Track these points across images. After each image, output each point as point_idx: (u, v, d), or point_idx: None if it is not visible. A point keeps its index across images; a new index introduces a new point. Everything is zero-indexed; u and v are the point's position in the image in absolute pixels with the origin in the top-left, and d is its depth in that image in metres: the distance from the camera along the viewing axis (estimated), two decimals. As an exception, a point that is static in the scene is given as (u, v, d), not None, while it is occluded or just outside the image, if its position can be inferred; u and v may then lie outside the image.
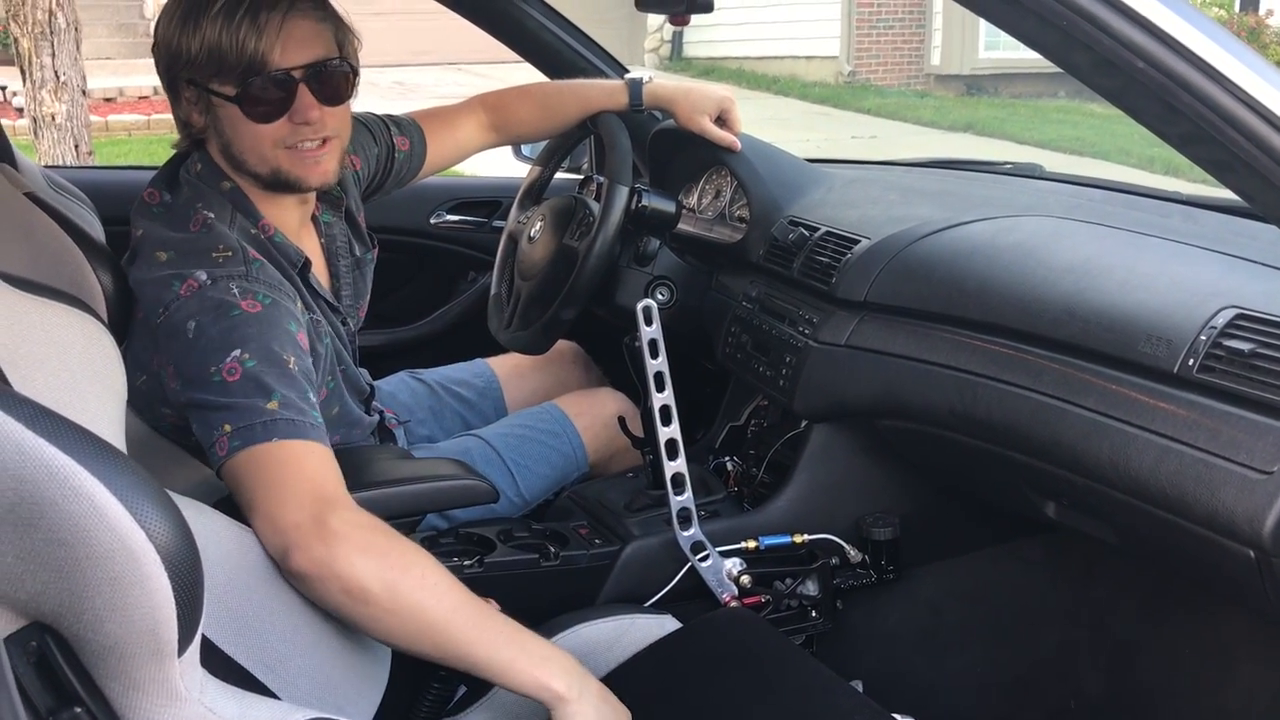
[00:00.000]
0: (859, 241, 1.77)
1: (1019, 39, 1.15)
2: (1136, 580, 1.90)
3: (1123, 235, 1.62)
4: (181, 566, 0.82)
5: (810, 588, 1.77)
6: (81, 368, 1.27)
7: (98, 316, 1.33)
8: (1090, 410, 1.42)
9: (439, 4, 2.14)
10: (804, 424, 1.96)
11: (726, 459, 2.01)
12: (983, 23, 12.39)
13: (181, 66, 1.53)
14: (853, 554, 1.77)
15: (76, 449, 0.79)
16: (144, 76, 10.37)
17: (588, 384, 2.30)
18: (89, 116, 5.15)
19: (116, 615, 0.80)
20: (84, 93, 5.01)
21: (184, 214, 1.56)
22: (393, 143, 1.98)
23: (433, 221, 2.51)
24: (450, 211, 2.52)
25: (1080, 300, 1.48)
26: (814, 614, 1.78)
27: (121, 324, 1.58)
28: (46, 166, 2.10)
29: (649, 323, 1.67)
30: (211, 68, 1.51)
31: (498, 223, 2.53)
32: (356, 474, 1.64)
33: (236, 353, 1.42)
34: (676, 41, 13.85)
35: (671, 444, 1.69)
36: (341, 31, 1.59)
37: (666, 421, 1.68)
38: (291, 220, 1.67)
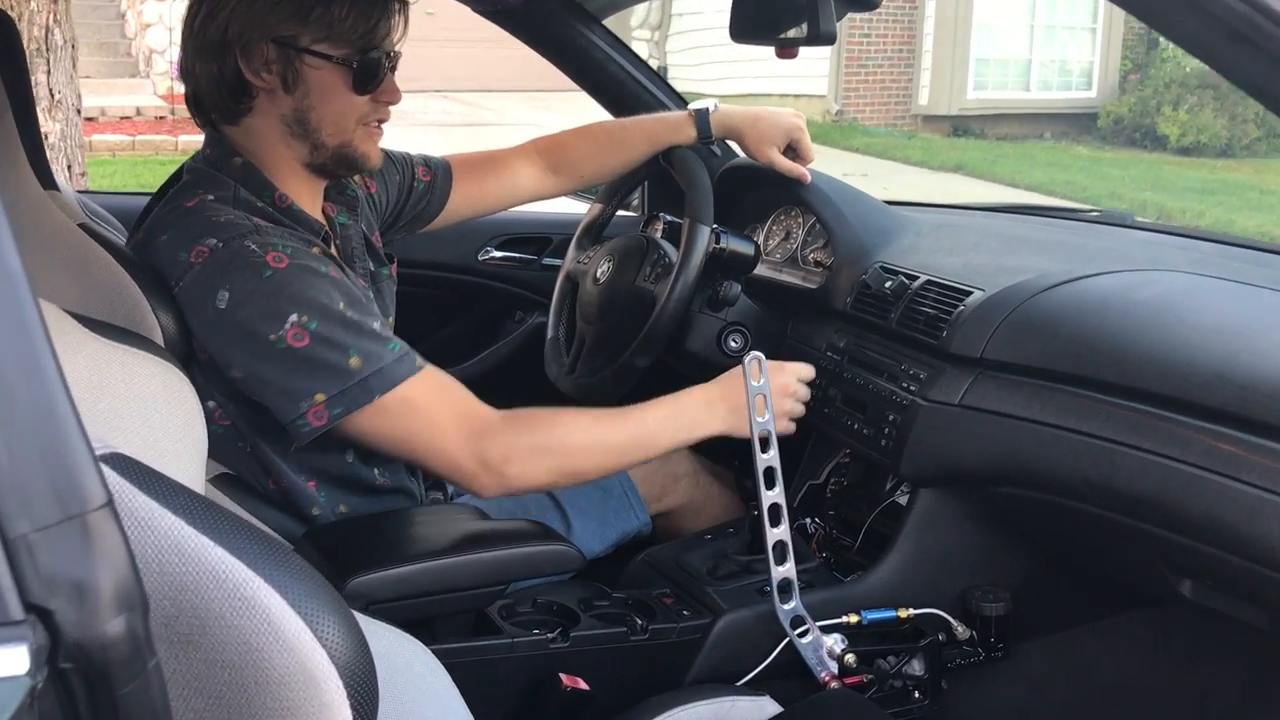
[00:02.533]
0: (971, 293, 1.65)
1: None
2: (1242, 659, 1.79)
3: (1267, 294, 1.51)
4: (362, 688, 0.68)
5: (916, 667, 1.64)
6: (163, 422, 1.13)
7: (177, 365, 1.19)
8: (1254, 486, 1.30)
9: (509, 32, 2.02)
10: (890, 484, 1.85)
11: (807, 520, 1.88)
12: (972, 62, 12.45)
13: (282, 22, 1.48)
14: (960, 630, 1.64)
15: (244, 548, 0.65)
16: (124, 96, 10.19)
17: None
18: (83, 137, 4.98)
19: (287, 751, 0.66)
20: (79, 111, 4.84)
21: (181, 198, 1.52)
22: (414, 173, 1.92)
23: (480, 258, 2.37)
24: (498, 248, 2.39)
25: (1234, 365, 1.37)
26: (917, 694, 1.65)
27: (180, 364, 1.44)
28: (80, 191, 1.95)
29: (757, 378, 1.54)
30: (327, 30, 1.48)
31: (548, 260, 2.40)
32: (431, 536, 1.50)
33: (294, 317, 1.40)
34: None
35: (775, 509, 1.55)
36: None
37: (770, 485, 1.55)
38: (307, 202, 1.60)
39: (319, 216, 1.63)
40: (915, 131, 12.37)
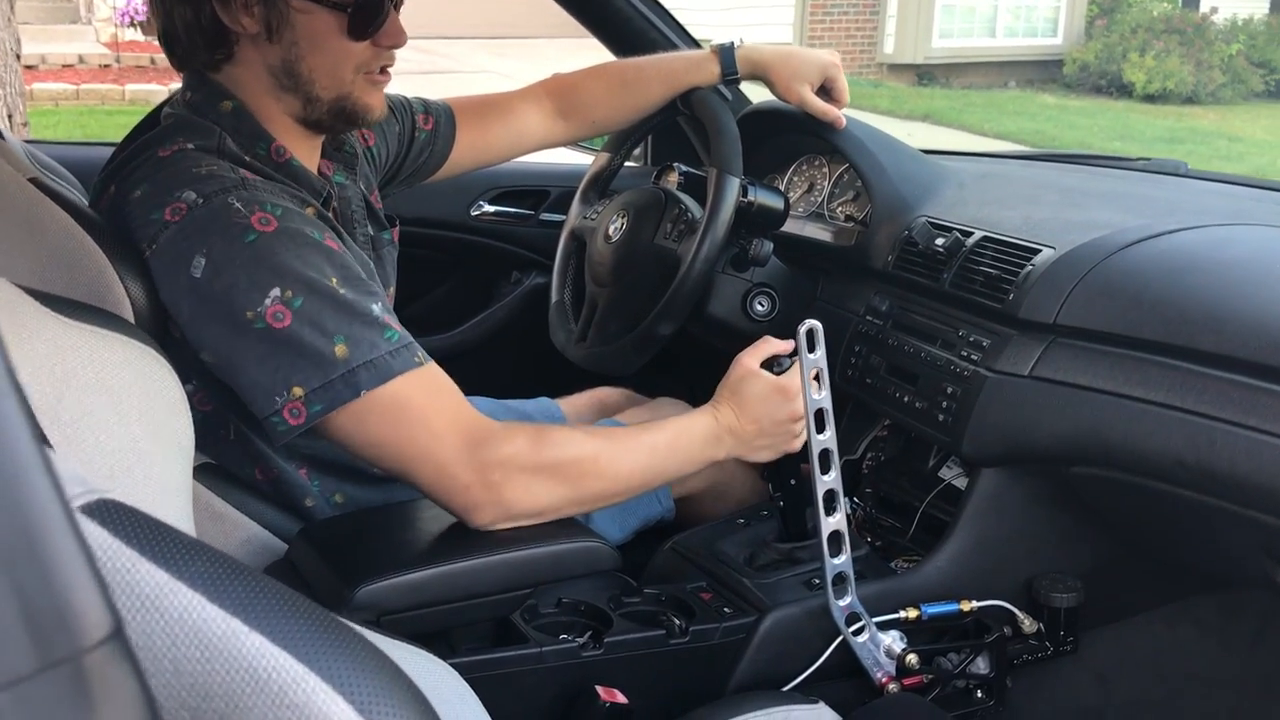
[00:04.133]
0: (1039, 251, 1.48)
1: None
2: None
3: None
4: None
5: (980, 665, 1.49)
6: (140, 418, 0.94)
7: (155, 348, 1.00)
8: (1385, 469, 1.15)
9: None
10: (934, 460, 1.69)
11: (844, 501, 1.72)
12: (938, 9, 12.24)
13: None
14: (1026, 624, 1.49)
15: (289, 631, 0.47)
16: (65, 44, 9.76)
17: None
18: (24, 84, 4.67)
19: None
20: (18, 57, 4.54)
21: (155, 146, 1.30)
22: (414, 121, 1.71)
23: (473, 214, 2.17)
24: (491, 202, 2.18)
25: (1352, 332, 1.22)
26: (980, 694, 1.50)
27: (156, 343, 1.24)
28: (27, 141, 1.73)
29: (812, 348, 1.37)
30: None
31: (546, 215, 2.21)
32: (447, 534, 1.32)
33: (276, 292, 1.19)
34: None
35: (830, 496, 1.39)
36: None
37: (826, 469, 1.38)
38: (305, 159, 1.40)
39: (318, 175, 1.44)
40: (881, 80, 12.17)
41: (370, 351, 1.21)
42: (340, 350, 1.20)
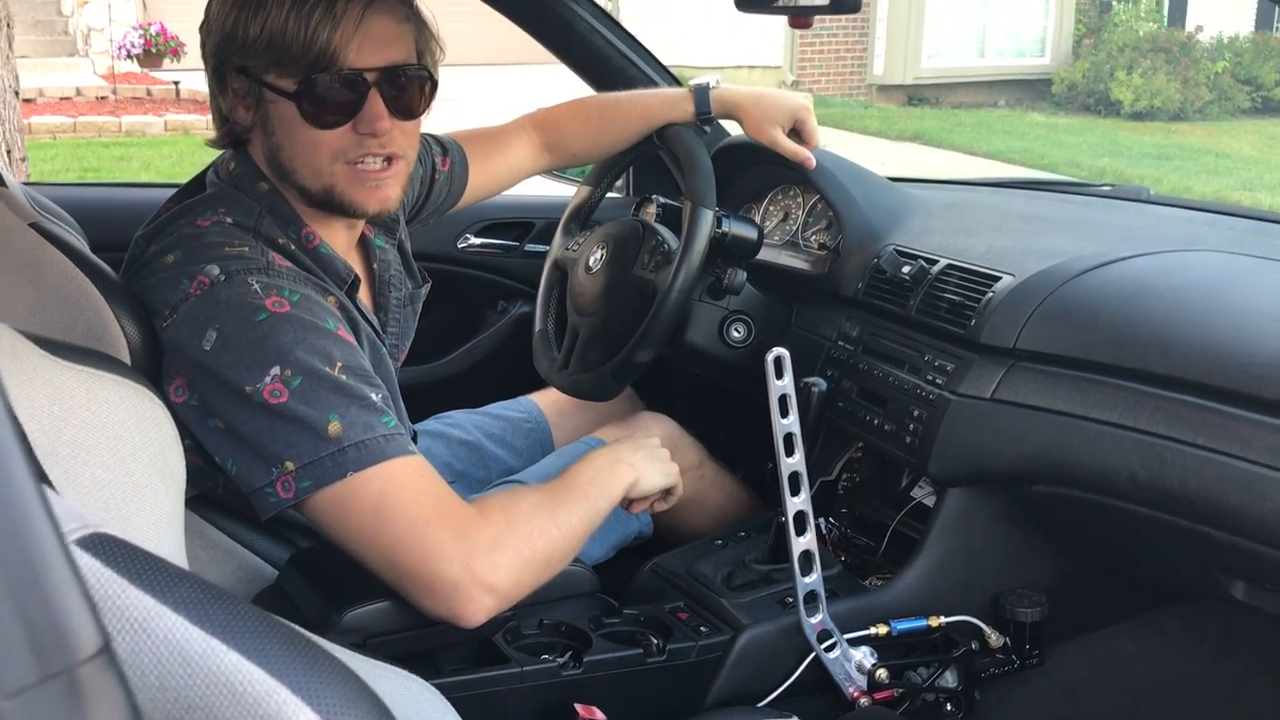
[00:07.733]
0: (999, 278, 1.54)
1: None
2: (1272, 654, 1.71)
3: (1319, 275, 1.42)
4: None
5: (948, 678, 1.54)
6: (135, 456, 1.00)
7: (149, 386, 1.05)
8: (1325, 486, 1.21)
9: (484, 3, 1.88)
10: (906, 480, 1.75)
11: (820, 520, 1.77)
12: (926, 30, 12.30)
13: (234, 51, 1.31)
14: (993, 638, 1.54)
15: (263, 650, 0.53)
16: (63, 76, 9.86)
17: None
18: (21, 119, 4.74)
19: None
20: (16, 94, 4.61)
21: (196, 214, 1.34)
22: (435, 163, 1.76)
23: (459, 246, 2.23)
24: (477, 234, 2.24)
25: (1294, 354, 1.27)
26: (949, 707, 1.55)
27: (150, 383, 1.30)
28: (26, 183, 1.78)
29: (780, 375, 1.42)
30: (270, 56, 1.29)
31: (531, 246, 2.27)
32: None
33: (276, 370, 1.21)
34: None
35: (801, 517, 1.44)
36: (424, 36, 1.38)
37: (795, 490, 1.44)
38: (339, 240, 1.43)
39: (352, 255, 1.47)
40: (871, 101, 12.28)
41: (364, 433, 1.22)
42: (334, 428, 1.21)
